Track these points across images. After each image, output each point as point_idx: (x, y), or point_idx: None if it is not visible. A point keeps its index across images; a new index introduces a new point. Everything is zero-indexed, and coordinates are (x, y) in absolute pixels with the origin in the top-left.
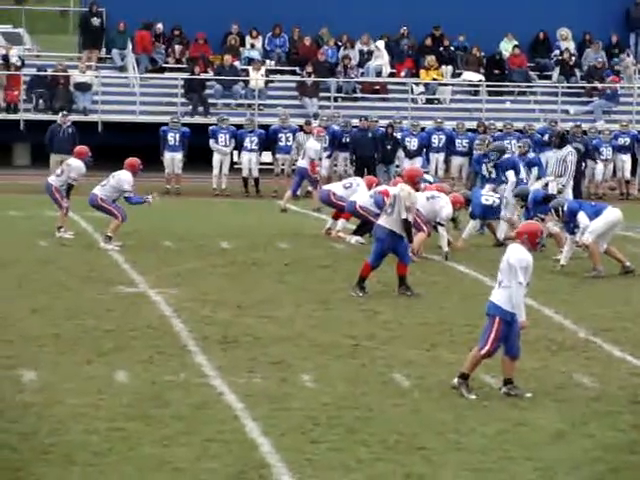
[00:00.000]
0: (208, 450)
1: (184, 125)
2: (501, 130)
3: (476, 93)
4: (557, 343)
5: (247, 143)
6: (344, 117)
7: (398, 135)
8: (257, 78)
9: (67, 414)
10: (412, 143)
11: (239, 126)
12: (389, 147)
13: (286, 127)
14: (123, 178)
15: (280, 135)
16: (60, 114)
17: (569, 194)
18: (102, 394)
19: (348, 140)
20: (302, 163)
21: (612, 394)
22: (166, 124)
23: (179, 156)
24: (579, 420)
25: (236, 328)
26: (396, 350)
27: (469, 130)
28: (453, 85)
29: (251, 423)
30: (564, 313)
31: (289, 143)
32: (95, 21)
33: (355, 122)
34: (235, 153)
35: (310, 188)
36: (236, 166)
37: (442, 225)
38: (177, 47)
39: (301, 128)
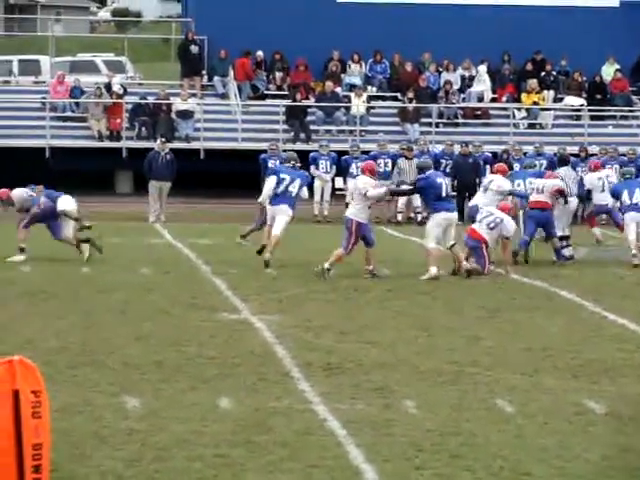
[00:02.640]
0: (311, 476)
1: (285, 152)
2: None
3: (578, 118)
4: None
5: (353, 169)
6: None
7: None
8: (358, 104)
9: (171, 441)
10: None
11: (340, 152)
12: None
13: (384, 153)
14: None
15: (379, 161)
16: (159, 140)
17: None
18: (205, 421)
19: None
20: None
21: None
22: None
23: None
24: None
25: (339, 354)
26: (499, 376)
27: (572, 155)
28: (555, 110)
29: (354, 449)
30: None
31: (387, 168)
32: (194, 49)
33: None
34: (337, 179)
35: None
36: (339, 192)
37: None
38: (278, 74)
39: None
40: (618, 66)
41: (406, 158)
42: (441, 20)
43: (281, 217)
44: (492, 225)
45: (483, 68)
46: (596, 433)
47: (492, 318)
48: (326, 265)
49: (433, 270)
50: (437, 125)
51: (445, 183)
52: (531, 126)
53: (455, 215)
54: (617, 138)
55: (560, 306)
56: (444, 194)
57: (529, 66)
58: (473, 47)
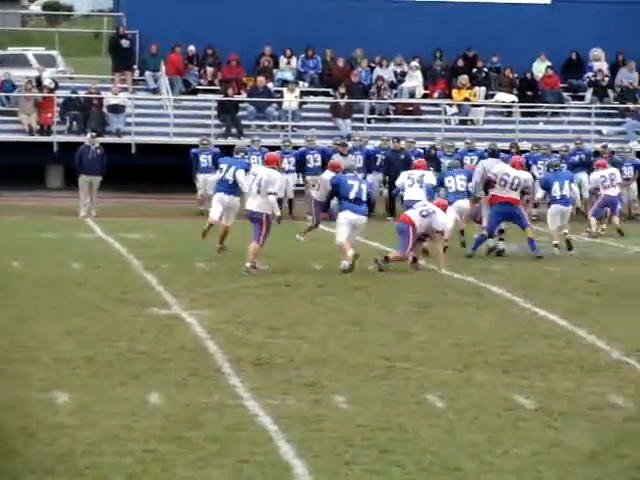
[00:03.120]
0: (242, 472)
1: (217, 147)
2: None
3: (509, 114)
4: (591, 364)
5: (284, 164)
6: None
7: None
8: (290, 100)
9: (101, 436)
10: (446, 164)
11: (272, 148)
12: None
13: (313, 148)
14: None
15: (308, 157)
16: (89, 134)
17: None
18: (136, 416)
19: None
20: None
21: None
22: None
23: (212, 177)
24: (613, 441)
25: (269, 349)
26: (430, 371)
27: (502, 151)
28: (486, 106)
29: (285, 445)
30: (598, 334)
31: (317, 164)
32: (124, 43)
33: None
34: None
35: None
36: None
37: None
38: (210, 69)
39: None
40: (549, 63)
41: (340, 154)
42: (373, 16)
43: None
44: (424, 213)
45: (415, 64)
46: (526, 428)
47: (423, 313)
48: (248, 264)
49: (344, 263)
50: (369, 121)
51: (359, 187)
52: (462, 122)
53: (359, 218)
54: (548, 135)
55: (491, 302)
56: (352, 196)
57: (460, 62)
58: (405, 43)
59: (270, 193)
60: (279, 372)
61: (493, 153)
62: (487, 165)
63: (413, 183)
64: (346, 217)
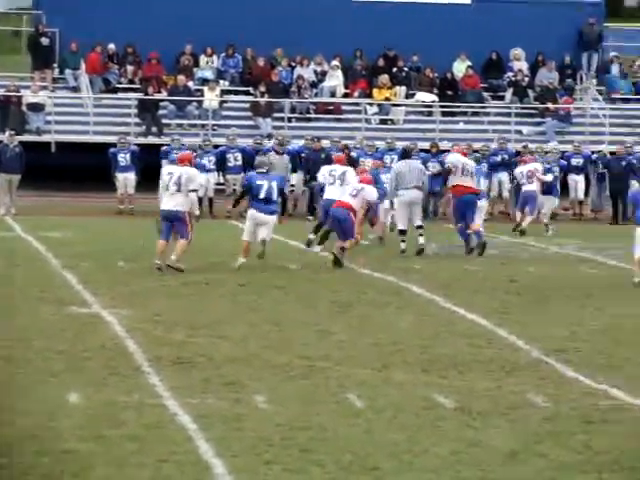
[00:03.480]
0: (161, 471)
1: (137, 145)
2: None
3: (429, 114)
4: (511, 363)
5: (205, 163)
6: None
7: (354, 154)
8: (211, 98)
9: (18, 436)
10: (366, 163)
11: (192, 147)
12: None
13: (234, 147)
14: None
15: (228, 155)
16: (7, 133)
17: None
18: (54, 415)
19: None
20: None
21: (565, 414)
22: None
23: (131, 176)
24: (532, 440)
25: (190, 348)
26: (349, 370)
27: (422, 150)
28: (406, 105)
29: (204, 444)
30: (518, 333)
31: (237, 162)
32: (44, 41)
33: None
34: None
35: None
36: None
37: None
38: (130, 67)
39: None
40: (469, 63)
41: (276, 153)
42: (293, 15)
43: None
44: (354, 192)
45: (335, 63)
46: (445, 428)
47: (343, 313)
48: (173, 258)
49: (240, 259)
50: (289, 120)
51: (269, 185)
52: (383, 121)
53: (265, 216)
54: (468, 134)
55: (411, 301)
56: (262, 195)
57: (381, 62)
58: (325, 42)
59: (191, 190)
60: (199, 371)
61: (405, 153)
62: (399, 168)
63: (334, 181)
64: (251, 215)
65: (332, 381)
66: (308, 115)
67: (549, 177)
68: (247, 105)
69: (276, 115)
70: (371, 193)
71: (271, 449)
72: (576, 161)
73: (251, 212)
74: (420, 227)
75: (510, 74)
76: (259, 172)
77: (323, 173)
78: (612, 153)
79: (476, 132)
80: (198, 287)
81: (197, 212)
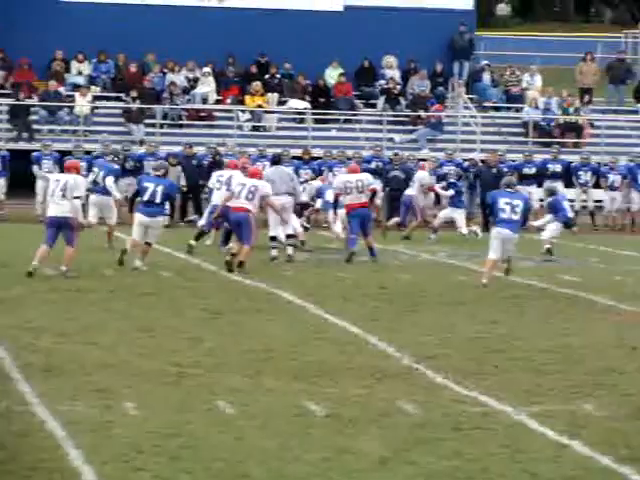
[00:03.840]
0: (30, 479)
1: (8, 151)
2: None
3: (302, 121)
4: (381, 370)
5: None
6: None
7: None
8: (82, 104)
9: None
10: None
11: (64, 152)
12: None
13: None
14: None
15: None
16: None
17: None
18: None
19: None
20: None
21: (435, 421)
22: None
23: (1, 181)
24: (402, 447)
25: (59, 355)
26: (220, 377)
27: (294, 157)
28: (279, 112)
29: (74, 451)
30: (388, 340)
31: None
32: None
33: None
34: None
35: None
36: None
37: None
38: (1, 72)
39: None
40: (342, 70)
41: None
42: (165, 21)
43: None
44: (250, 196)
45: (208, 70)
46: (316, 435)
47: (214, 319)
48: (64, 269)
49: (136, 262)
50: (162, 126)
51: (154, 189)
52: (255, 128)
53: (146, 219)
54: (340, 141)
55: (282, 308)
56: (146, 198)
57: (253, 69)
58: (197, 49)
59: (76, 197)
60: (69, 378)
61: (275, 160)
62: (268, 175)
63: (221, 185)
64: (137, 218)
65: (203, 388)
66: (180, 121)
67: (450, 192)
68: (119, 111)
69: (148, 121)
70: (264, 187)
71: (141, 456)
72: (448, 169)
73: (136, 214)
74: (291, 236)
75: (382, 82)
76: (154, 175)
77: (212, 181)
78: (483, 161)
79: (348, 139)
80: (68, 294)
81: (82, 219)
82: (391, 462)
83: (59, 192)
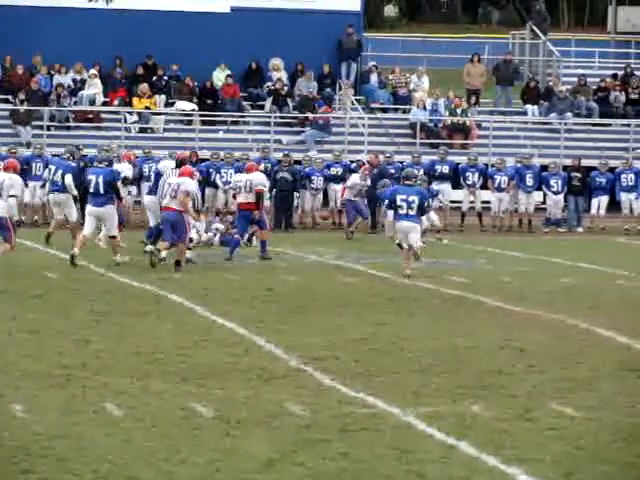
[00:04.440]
0: None
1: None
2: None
3: (189, 122)
4: (268, 372)
5: None
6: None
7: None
8: None
9: None
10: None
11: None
12: None
13: None
14: None
15: None
16: None
17: None
18: None
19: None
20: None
21: (322, 422)
22: None
23: None
24: (290, 448)
25: None
26: (108, 380)
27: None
28: (166, 114)
29: None
30: (275, 342)
31: None
32: None
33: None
34: None
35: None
36: None
37: None
38: None
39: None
40: (229, 72)
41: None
42: (53, 22)
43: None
44: (173, 194)
45: (95, 71)
46: (203, 436)
47: (102, 322)
48: None
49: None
50: (49, 128)
51: (97, 180)
52: (143, 130)
53: (95, 209)
54: (228, 143)
55: (170, 310)
56: (92, 189)
57: (140, 70)
58: (85, 50)
59: (11, 196)
60: None
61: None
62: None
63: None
64: (87, 210)
65: (90, 390)
66: (67, 123)
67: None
68: (6, 113)
69: (35, 123)
70: (189, 183)
71: (28, 458)
72: (335, 170)
73: (87, 207)
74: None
75: (270, 83)
76: (97, 167)
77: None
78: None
79: (236, 141)
80: None
81: (16, 217)
82: (278, 464)
83: None
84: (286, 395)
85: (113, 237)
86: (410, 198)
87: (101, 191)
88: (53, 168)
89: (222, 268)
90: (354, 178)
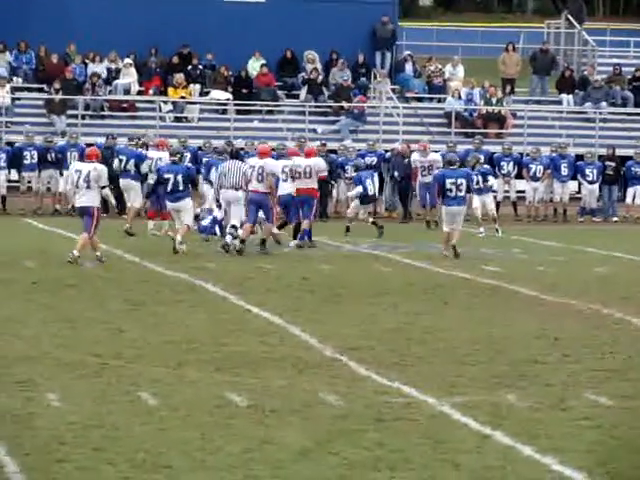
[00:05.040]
0: None
1: None
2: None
3: (224, 112)
4: (303, 361)
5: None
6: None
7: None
8: (2, 95)
9: None
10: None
11: None
12: None
13: (31, 145)
14: None
15: (25, 153)
16: None
17: None
18: None
19: None
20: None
21: (357, 412)
22: None
23: None
24: (324, 438)
25: None
26: (142, 368)
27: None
28: (201, 103)
29: None
30: (310, 331)
31: (34, 161)
32: None
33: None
34: None
35: None
36: None
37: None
38: None
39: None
40: (264, 61)
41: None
42: (87, 11)
43: None
44: (260, 178)
45: (129, 60)
46: (237, 426)
47: (136, 310)
48: None
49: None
50: (83, 117)
51: (175, 179)
52: (177, 119)
53: (173, 204)
54: (263, 132)
55: (204, 299)
56: (170, 187)
57: (176, 59)
58: (119, 39)
59: (103, 187)
60: None
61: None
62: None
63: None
64: (168, 206)
65: (125, 379)
66: (102, 113)
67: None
68: (41, 102)
69: (70, 112)
70: (273, 164)
71: (63, 447)
72: (370, 159)
73: (166, 203)
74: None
75: (304, 73)
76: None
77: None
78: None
79: (271, 130)
80: None
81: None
82: (313, 453)
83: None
84: (321, 385)
85: (187, 227)
86: (458, 181)
87: (180, 188)
88: (124, 158)
89: (257, 257)
90: (433, 156)
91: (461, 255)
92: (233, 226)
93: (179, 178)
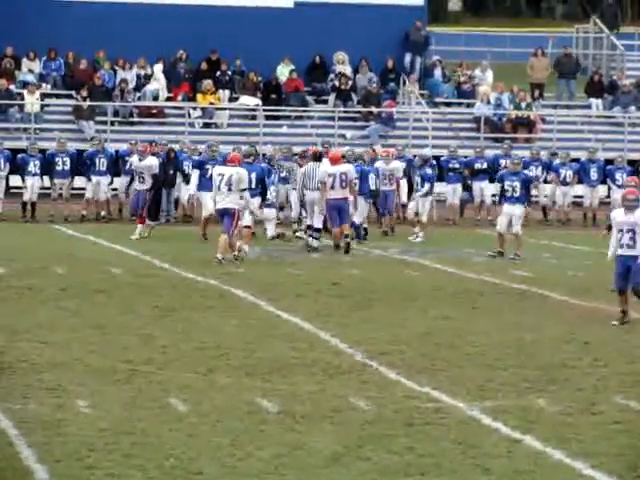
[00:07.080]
0: None
1: None
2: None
3: (253, 117)
4: (333, 366)
5: (31, 167)
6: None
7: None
8: (32, 102)
9: None
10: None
11: (16, 150)
12: (171, 172)
13: (63, 151)
14: None
15: (57, 159)
16: None
17: None
18: None
19: None
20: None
21: (387, 417)
22: None
23: None
24: (355, 443)
25: (11, 354)
26: (172, 375)
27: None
28: (230, 109)
29: (26, 450)
30: (340, 336)
31: (66, 167)
32: None
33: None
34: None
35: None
36: (15, 190)
37: None
38: None
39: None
40: (293, 66)
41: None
42: (115, 18)
43: None
44: (344, 184)
45: (158, 67)
46: (268, 431)
47: (166, 317)
48: None
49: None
50: (112, 123)
51: (249, 177)
52: (207, 125)
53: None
54: (292, 138)
55: (234, 305)
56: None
57: (204, 65)
58: (148, 45)
59: (243, 190)
60: (20, 376)
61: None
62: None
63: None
64: None
65: (155, 385)
66: (131, 119)
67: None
68: (70, 108)
69: (99, 119)
70: (353, 171)
71: (93, 454)
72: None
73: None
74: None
75: (333, 77)
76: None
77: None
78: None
79: (300, 136)
80: (19, 292)
81: (252, 207)
82: (344, 458)
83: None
84: (351, 390)
85: (248, 227)
86: (514, 183)
87: (252, 187)
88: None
89: (286, 263)
90: (395, 164)
91: (490, 260)
92: (317, 229)
93: (252, 177)
